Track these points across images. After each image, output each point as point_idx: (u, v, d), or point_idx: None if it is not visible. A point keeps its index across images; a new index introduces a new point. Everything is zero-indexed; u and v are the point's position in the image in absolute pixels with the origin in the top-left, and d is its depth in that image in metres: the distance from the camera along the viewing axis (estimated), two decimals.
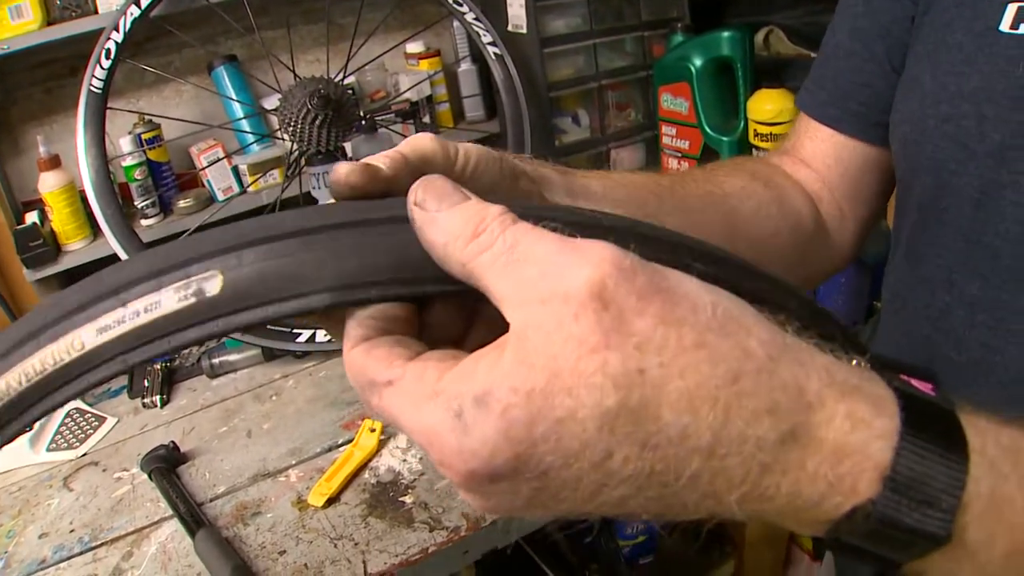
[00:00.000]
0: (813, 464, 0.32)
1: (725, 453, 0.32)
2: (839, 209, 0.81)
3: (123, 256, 1.40)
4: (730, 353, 0.32)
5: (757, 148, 1.69)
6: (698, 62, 1.77)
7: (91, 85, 1.41)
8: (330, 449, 1.23)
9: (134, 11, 1.43)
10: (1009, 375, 0.62)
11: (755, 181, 0.77)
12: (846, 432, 0.33)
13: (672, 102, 1.86)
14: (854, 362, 0.36)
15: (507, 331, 0.33)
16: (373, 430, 1.20)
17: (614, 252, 0.32)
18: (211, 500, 1.15)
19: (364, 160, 0.42)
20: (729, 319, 0.33)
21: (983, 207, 0.61)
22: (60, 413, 1.41)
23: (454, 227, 0.35)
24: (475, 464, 0.31)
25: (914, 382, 0.36)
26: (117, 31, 1.42)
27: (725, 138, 1.78)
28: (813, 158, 0.82)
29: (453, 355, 0.35)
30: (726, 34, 1.72)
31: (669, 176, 0.72)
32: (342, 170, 0.40)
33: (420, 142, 0.45)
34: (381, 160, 0.42)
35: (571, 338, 0.31)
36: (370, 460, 1.18)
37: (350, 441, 1.22)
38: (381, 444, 1.21)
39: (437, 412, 0.32)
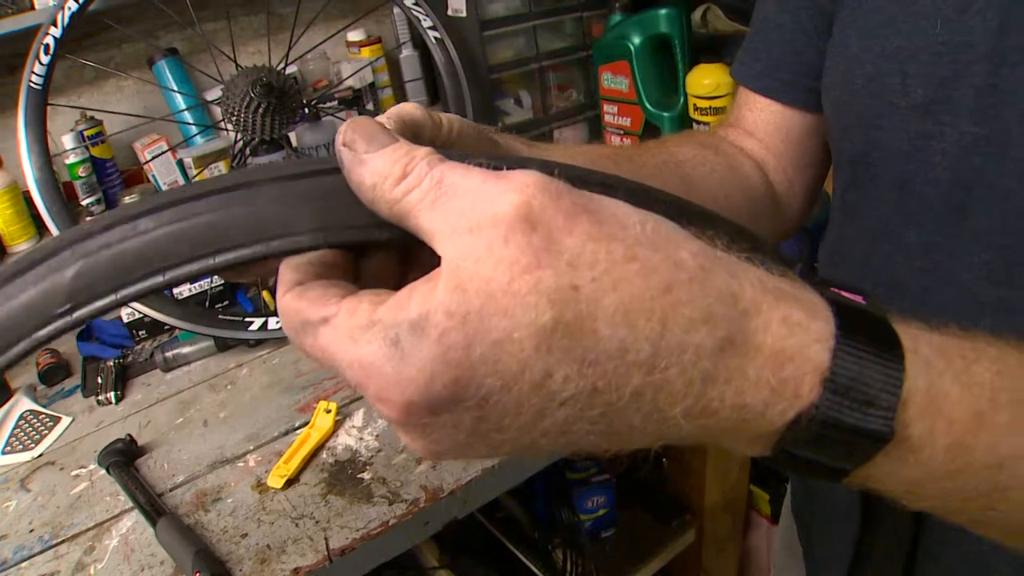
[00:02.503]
0: (754, 370, 0.33)
1: (665, 365, 0.32)
2: (785, 174, 0.84)
3: None
4: (661, 265, 0.32)
5: (697, 122, 1.72)
6: (636, 40, 1.79)
7: (30, 82, 1.39)
8: (287, 432, 1.24)
9: (72, 6, 1.41)
10: (948, 316, 0.65)
11: (705, 149, 0.80)
12: (784, 336, 0.33)
13: (612, 81, 1.88)
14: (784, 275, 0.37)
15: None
16: (329, 411, 1.21)
17: (538, 177, 0.33)
18: (171, 490, 1.15)
19: (373, 119, 0.41)
20: (658, 234, 0.33)
21: (912, 158, 0.64)
22: (13, 416, 1.40)
23: (383, 168, 0.35)
24: (413, 393, 0.31)
25: (844, 293, 0.37)
26: (55, 26, 1.40)
27: (666, 114, 1.80)
28: (756, 128, 0.85)
29: (387, 292, 0.34)
30: (663, 12, 1.75)
31: (626, 147, 0.74)
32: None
33: (407, 109, 0.45)
34: (385, 122, 0.42)
35: (502, 260, 0.31)
36: (327, 440, 1.19)
37: (306, 423, 1.22)
38: (337, 424, 1.22)
39: (374, 342, 0.32)
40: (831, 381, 0.33)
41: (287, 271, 0.37)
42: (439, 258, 0.33)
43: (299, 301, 0.35)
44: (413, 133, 0.44)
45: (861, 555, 0.67)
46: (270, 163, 0.40)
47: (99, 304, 0.35)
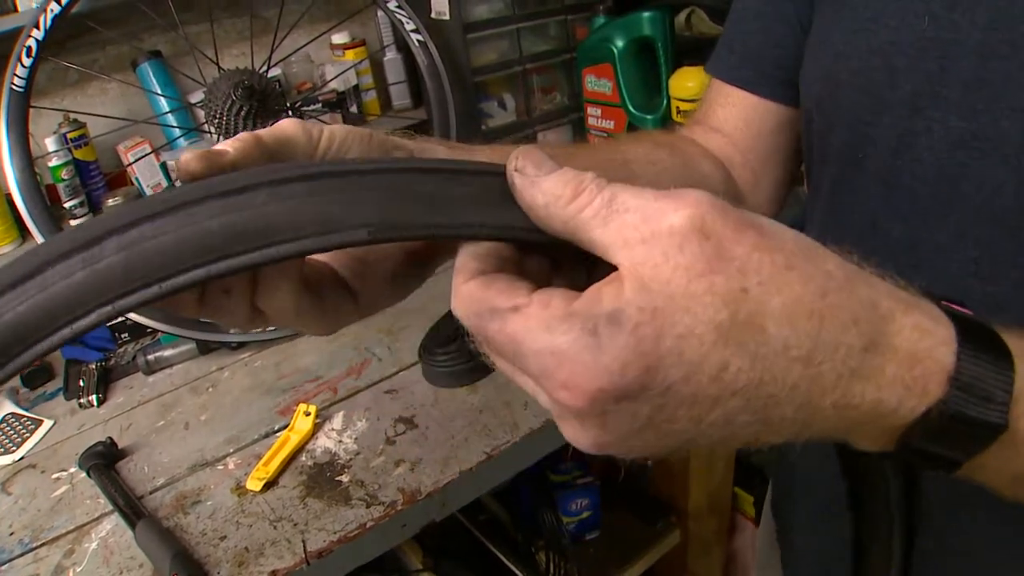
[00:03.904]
0: (892, 369, 0.37)
1: (821, 360, 0.35)
2: (752, 172, 0.84)
3: None
4: (816, 273, 0.36)
5: (680, 125, 1.72)
6: (620, 43, 1.80)
7: (12, 84, 1.39)
8: (267, 435, 1.24)
9: (54, 8, 1.40)
10: None
11: (659, 148, 0.80)
12: (915, 340, 0.38)
13: (596, 83, 1.89)
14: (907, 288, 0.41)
15: (584, 285, 0.36)
16: (308, 414, 1.21)
17: (709, 195, 0.36)
18: (151, 492, 1.15)
19: (212, 148, 0.43)
20: (808, 248, 0.37)
21: (900, 153, 0.65)
22: None
23: (555, 189, 0.38)
24: (605, 380, 0.34)
25: (952, 305, 0.41)
26: (37, 29, 1.40)
27: (649, 116, 1.81)
28: (725, 123, 0.85)
29: (571, 292, 0.37)
30: (646, 15, 1.75)
31: (565, 146, 0.75)
32: (184, 157, 0.42)
33: (281, 126, 0.47)
34: (229, 144, 0.44)
35: (679, 266, 0.34)
36: (306, 443, 1.19)
37: (286, 426, 1.22)
38: (317, 427, 1.22)
39: (572, 331, 0.35)
40: (956, 379, 0.37)
41: (468, 259, 0.40)
42: (585, 269, 0.38)
43: (486, 290, 0.38)
44: (284, 148, 0.46)
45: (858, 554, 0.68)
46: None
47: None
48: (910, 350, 0.37)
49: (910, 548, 0.60)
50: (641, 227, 0.35)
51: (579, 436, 0.38)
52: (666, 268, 0.34)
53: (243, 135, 0.45)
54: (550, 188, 0.38)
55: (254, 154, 0.44)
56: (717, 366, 0.34)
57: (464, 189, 0.40)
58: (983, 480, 0.42)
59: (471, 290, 0.38)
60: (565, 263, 0.44)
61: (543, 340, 0.35)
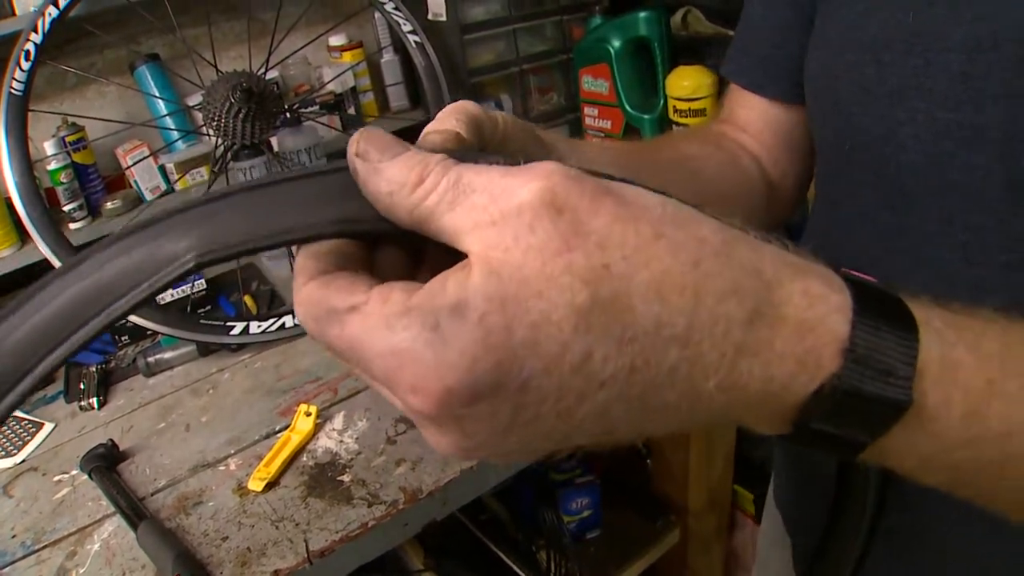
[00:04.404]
0: (780, 342, 0.34)
1: (700, 339, 0.32)
2: (779, 168, 0.86)
3: (54, 262, 1.39)
4: (687, 242, 0.33)
5: (677, 124, 1.73)
6: (616, 43, 1.81)
7: (11, 88, 1.39)
8: (268, 436, 1.24)
9: (52, 11, 1.41)
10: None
11: (708, 145, 0.82)
12: (805, 308, 0.34)
13: (593, 83, 1.89)
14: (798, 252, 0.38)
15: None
16: (309, 414, 1.22)
17: (558, 165, 0.33)
18: (152, 494, 1.15)
19: (441, 126, 0.42)
20: (678, 214, 0.34)
21: (887, 143, 0.65)
22: None
23: (399, 176, 0.34)
24: (453, 379, 0.31)
25: (854, 273, 0.38)
26: (36, 32, 1.40)
27: (646, 116, 1.81)
28: (748, 123, 0.87)
29: (414, 283, 0.34)
30: (642, 15, 1.77)
31: (642, 142, 0.75)
32: (428, 140, 0.41)
33: (467, 106, 0.45)
34: (456, 125, 0.43)
35: (531, 248, 0.31)
36: (307, 443, 1.20)
37: (287, 427, 1.23)
38: (318, 427, 1.22)
39: (412, 327, 0.31)
40: (851, 351, 0.34)
41: (307, 260, 0.37)
42: (451, 259, 0.33)
43: (324, 289, 0.34)
44: (476, 127, 0.44)
45: (830, 533, 0.69)
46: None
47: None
48: (799, 319, 0.34)
49: (877, 522, 0.60)
50: (490, 207, 0.32)
51: (441, 442, 0.34)
52: (517, 252, 0.31)
53: (459, 115, 0.44)
54: (393, 175, 0.35)
55: (470, 129, 0.43)
56: (580, 355, 0.31)
57: (305, 191, 0.37)
58: (891, 465, 0.39)
59: (309, 292, 0.35)
60: (429, 256, 0.40)
61: (383, 340, 0.32)
